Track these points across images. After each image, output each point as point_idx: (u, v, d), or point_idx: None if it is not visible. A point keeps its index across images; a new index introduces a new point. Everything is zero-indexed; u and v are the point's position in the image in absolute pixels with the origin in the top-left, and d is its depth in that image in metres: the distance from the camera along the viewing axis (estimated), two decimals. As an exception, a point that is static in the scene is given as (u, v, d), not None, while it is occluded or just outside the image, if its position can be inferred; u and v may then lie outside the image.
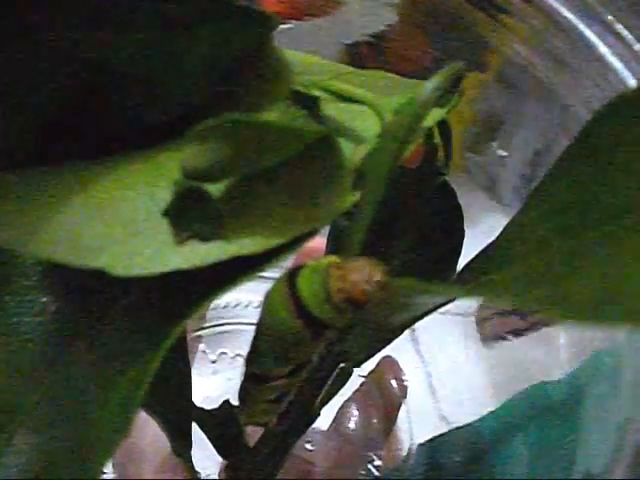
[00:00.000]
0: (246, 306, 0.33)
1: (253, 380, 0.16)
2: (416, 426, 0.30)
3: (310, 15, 0.25)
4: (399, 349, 0.28)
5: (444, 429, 0.29)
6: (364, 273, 0.11)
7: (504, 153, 0.25)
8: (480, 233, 0.21)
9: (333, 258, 0.12)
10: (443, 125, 0.19)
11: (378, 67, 0.18)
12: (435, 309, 0.15)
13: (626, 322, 0.08)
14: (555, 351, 0.27)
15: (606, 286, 0.09)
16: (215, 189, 0.12)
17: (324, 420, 0.29)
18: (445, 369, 0.32)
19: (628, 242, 0.10)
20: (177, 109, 0.15)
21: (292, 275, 0.12)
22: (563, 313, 0.08)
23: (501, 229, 0.15)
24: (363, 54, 0.26)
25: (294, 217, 0.12)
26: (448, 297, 0.12)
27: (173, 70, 0.14)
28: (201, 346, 0.32)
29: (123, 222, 0.11)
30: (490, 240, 0.16)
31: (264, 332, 0.13)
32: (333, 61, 0.19)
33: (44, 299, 0.15)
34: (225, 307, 0.33)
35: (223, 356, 0.32)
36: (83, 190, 0.12)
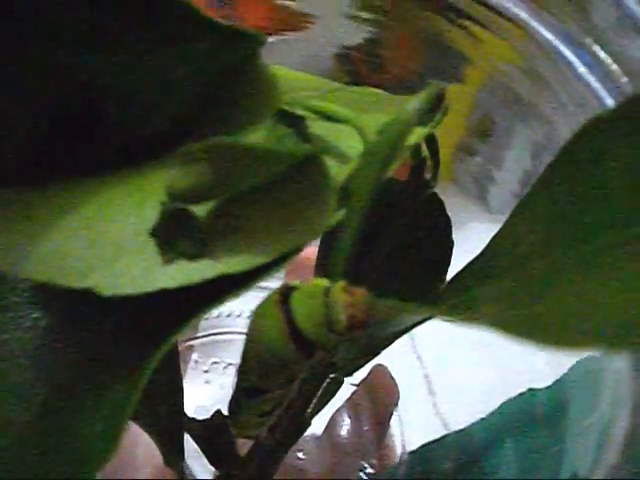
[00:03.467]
0: (238, 316, 0.33)
1: (244, 393, 0.16)
2: (409, 433, 0.31)
3: (291, 30, 0.25)
4: (397, 352, 0.28)
5: (443, 432, 0.30)
6: (369, 299, 0.11)
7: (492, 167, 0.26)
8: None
9: (324, 282, 0.12)
10: (430, 139, 0.19)
11: (373, 75, 0.19)
12: (420, 323, 0.15)
13: (598, 346, 0.08)
14: (553, 355, 0.27)
15: (578, 308, 0.09)
16: (200, 209, 0.12)
17: (316, 428, 0.29)
18: (444, 372, 0.32)
19: (602, 262, 0.10)
20: (163, 126, 0.15)
21: (284, 297, 0.12)
22: (539, 338, 0.08)
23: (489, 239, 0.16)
24: (355, 65, 0.27)
25: (279, 236, 0.12)
26: (429, 315, 0.13)
27: (159, 88, 0.15)
28: (193, 356, 0.32)
29: (110, 242, 0.12)
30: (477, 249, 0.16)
31: (254, 349, 0.13)
32: (318, 72, 0.19)
33: (35, 315, 0.15)
34: (217, 317, 0.33)
35: (215, 365, 0.32)
36: (70, 211, 0.12)
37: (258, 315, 0.13)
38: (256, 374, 0.14)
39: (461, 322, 0.09)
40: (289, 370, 0.13)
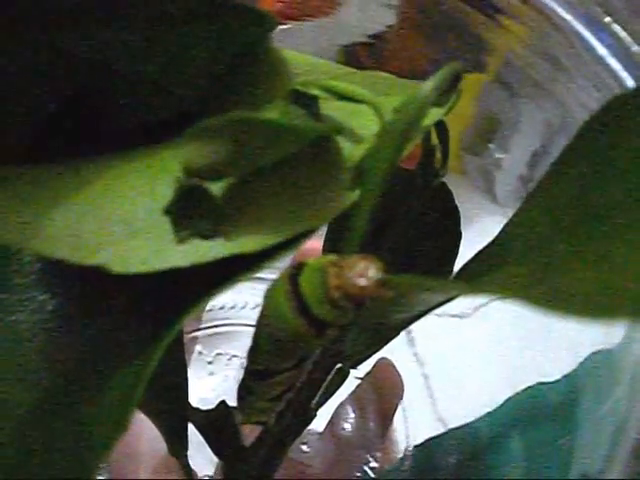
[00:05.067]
0: (242, 307, 0.33)
1: (255, 376, 0.15)
2: (413, 428, 0.30)
3: (309, 16, 0.25)
4: (396, 351, 0.28)
5: (441, 430, 0.29)
6: (360, 269, 0.11)
7: (502, 155, 0.26)
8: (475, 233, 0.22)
9: (332, 256, 0.12)
10: (440, 127, 0.19)
11: (375, 68, 0.18)
12: (433, 308, 0.15)
13: (623, 316, 0.08)
14: (552, 352, 0.27)
15: (602, 282, 0.09)
16: (215, 187, 0.12)
17: (320, 421, 0.29)
18: (442, 371, 0.32)
19: (621, 239, 0.10)
20: (176, 107, 0.15)
21: (294, 273, 0.12)
22: (564, 309, 0.08)
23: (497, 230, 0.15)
24: (360, 55, 0.27)
25: (293, 216, 0.12)
26: (448, 294, 0.12)
27: (172, 68, 0.14)
28: (197, 347, 0.32)
29: (123, 219, 0.11)
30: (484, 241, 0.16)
31: (265, 328, 0.13)
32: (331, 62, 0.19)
33: (42, 297, 0.15)
34: (222, 308, 0.33)
35: (219, 357, 0.32)
36: (83, 187, 0.12)
37: (270, 292, 0.12)
38: (267, 355, 0.13)
39: (487, 294, 0.08)
40: (300, 350, 0.13)
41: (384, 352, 0.21)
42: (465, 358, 0.31)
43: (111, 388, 0.13)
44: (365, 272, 0.11)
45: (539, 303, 0.08)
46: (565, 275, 0.09)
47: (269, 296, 0.12)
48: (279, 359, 0.14)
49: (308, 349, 0.13)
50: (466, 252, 0.18)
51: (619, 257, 0.09)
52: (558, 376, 0.25)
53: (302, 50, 0.18)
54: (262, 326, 0.13)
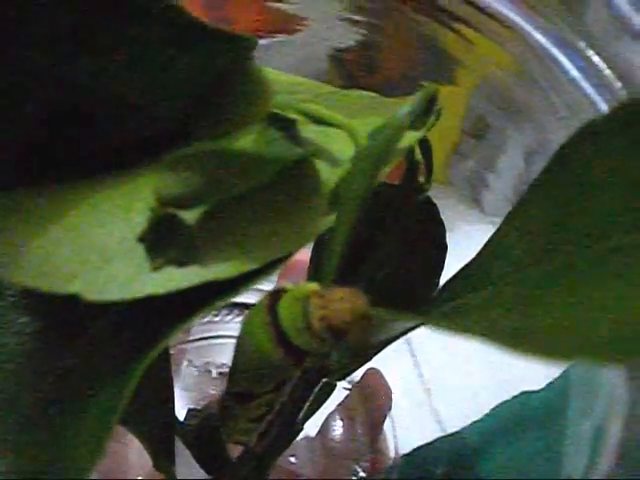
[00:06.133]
0: (232, 319, 0.33)
1: (235, 398, 0.16)
2: (409, 433, 0.30)
3: (284, 32, 0.25)
4: (394, 353, 0.28)
5: (440, 433, 0.29)
6: (344, 302, 0.11)
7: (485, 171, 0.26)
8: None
9: (313, 286, 0.12)
10: (423, 142, 0.19)
11: (364, 77, 0.18)
12: (412, 329, 0.15)
13: (590, 359, 0.08)
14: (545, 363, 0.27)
15: (572, 318, 0.09)
16: (190, 215, 0.12)
17: (308, 431, 0.29)
18: (440, 373, 0.32)
19: (598, 270, 0.10)
20: (155, 129, 0.15)
21: (273, 301, 0.12)
22: (528, 349, 0.08)
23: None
24: (348, 67, 0.27)
25: (269, 241, 0.12)
26: (418, 323, 0.12)
27: (150, 91, 0.14)
28: (185, 359, 0.32)
29: (97, 247, 0.11)
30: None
31: (243, 355, 0.13)
32: (311, 74, 0.19)
33: (22, 320, 0.15)
34: (208, 322, 0.33)
35: (207, 368, 0.32)
36: (58, 215, 0.12)
37: (248, 319, 0.12)
38: (246, 379, 0.14)
39: (451, 332, 0.08)
40: (279, 375, 0.13)
41: (382, 355, 0.21)
42: (463, 360, 0.30)
43: (90, 410, 0.13)
44: (350, 305, 0.11)
45: (505, 342, 0.08)
46: (532, 307, 0.09)
47: (246, 324, 0.12)
48: (257, 384, 0.14)
49: (287, 374, 0.13)
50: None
51: (594, 290, 0.09)
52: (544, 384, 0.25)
53: (281, 63, 0.18)
54: (240, 353, 0.13)
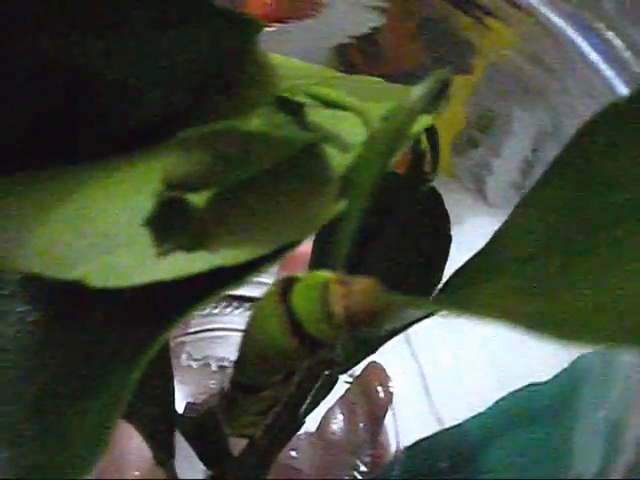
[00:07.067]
0: (231, 312, 0.32)
1: (241, 390, 0.15)
2: (411, 428, 0.30)
3: (295, 18, 0.25)
4: (393, 351, 0.27)
5: (441, 427, 0.29)
6: (369, 292, 0.11)
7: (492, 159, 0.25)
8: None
9: (329, 274, 0.11)
10: (430, 131, 0.19)
11: (367, 69, 0.18)
12: (421, 319, 0.14)
13: (616, 343, 0.07)
14: (550, 351, 0.26)
15: (595, 301, 0.08)
16: (197, 199, 0.11)
17: (309, 426, 0.29)
18: (440, 370, 0.32)
19: (618, 254, 0.10)
20: (159, 113, 0.14)
21: (285, 290, 0.12)
22: (551, 332, 0.07)
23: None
24: (352, 56, 0.26)
25: (278, 227, 0.12)
26: (434, 310, 0.12)
27: (155, 74, 0.14)
28: (185, 352, 0.31)
29: (102, 233, 0.11)
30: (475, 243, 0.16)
31: (253, 345, 0.13)
32: (320, 64, 0.19)
33: (21, 309, 0.14)
34: (207, 314, 0.32)
35: (207, 361, 0.31)
36: (62, 201, 0.11)
37: (258, 309, 0.12)
38: (255, 370, 0.13)
39: (468, 316, 0.08)
40: (290, 366, 0.12)
41: (382, 352, 0.21)
42: (463, 357, 0.30)
43: (93, 402, 0.13)
44: (374, 294, 0.11)
45: (527, 326, 0.08)
46: (557, 291, 0.09)
47: (256, 314, 0.12)
48: (266, 375, 0.13)
49: (297, 364, 0.13)
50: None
51: (616, 277, 0.09)
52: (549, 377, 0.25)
53: (290, 52, 0.18)
54: (248, 342, 0.13)
